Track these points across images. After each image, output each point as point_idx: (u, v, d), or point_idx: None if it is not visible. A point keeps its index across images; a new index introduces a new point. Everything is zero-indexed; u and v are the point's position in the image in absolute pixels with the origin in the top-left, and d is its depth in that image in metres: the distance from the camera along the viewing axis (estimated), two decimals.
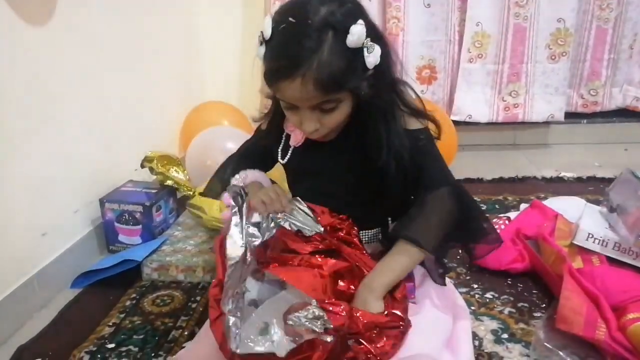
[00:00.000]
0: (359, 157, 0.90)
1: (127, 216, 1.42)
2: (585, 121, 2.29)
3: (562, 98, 2.17)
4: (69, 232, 1.35)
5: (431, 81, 2.21)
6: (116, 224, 1.43)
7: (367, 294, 0.83)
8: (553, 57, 2.12)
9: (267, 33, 0.80)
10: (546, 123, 2.23)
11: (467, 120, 2.19)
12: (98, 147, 1.45)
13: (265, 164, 1.06)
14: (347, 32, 0.77)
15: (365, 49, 0.79)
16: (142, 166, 1.54)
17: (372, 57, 0.80)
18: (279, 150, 0.99)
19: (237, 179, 1.00)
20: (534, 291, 1.20)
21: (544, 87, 2.16)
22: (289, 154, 0.98)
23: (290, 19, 0.79)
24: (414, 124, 0.90)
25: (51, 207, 1.27)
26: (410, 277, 0.91)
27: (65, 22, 1.28)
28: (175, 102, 1.99)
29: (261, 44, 0.82)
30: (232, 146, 1.66)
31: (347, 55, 0.78)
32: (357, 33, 0.77)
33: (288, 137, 0.99)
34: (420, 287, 0.95)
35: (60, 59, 1.28)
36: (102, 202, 1.43)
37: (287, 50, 0.78)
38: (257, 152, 1.07)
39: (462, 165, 1.90)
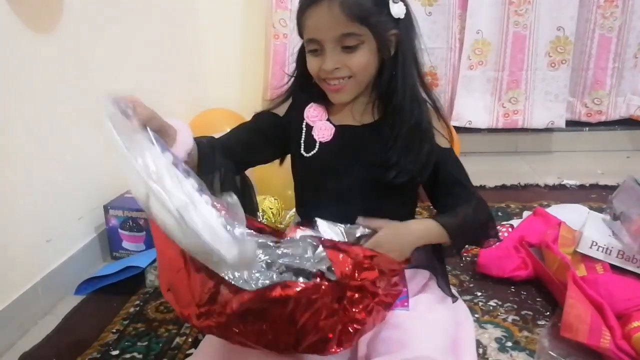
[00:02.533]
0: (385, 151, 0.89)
1: (131, 223, 1.43)
2: (587, 129, 2.29)
3: (562, 105, 2.18)
4: (73, 238, 1.35)
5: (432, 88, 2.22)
6: (120, 231, 1.44)
7: (407, 235, 0.83)
8: (553, 65, 2.13)
9: None
10: (549, 130, 2.24)
11: (467, 125, 2.20)
12: (102, 154, 1.45)
13: (260, 152, 0.98)
14: None
15: None
16: None
17: (397, 7, 0.85)
18: (302, 142, 0.93)
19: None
20: (538, 299, 1.20)
21: (544, 94, 2.17)
22: (316, 148, 0.92)
23: None
24: (443, 142, 0.93)
25: (56, 214, 1.28)
26: (403, 283, 0.89)
27: (69, 30, 1.29)
28: (178, 109, 1.99)
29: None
30: None
31: None
32: None
33: (309, 128, 0.94)
34: (421, 293, 0.95)
35: (64, 67, 1.29)
36: (106, 208, 1.43)
37: None
38: (251, 136, 0.99)
39: None
